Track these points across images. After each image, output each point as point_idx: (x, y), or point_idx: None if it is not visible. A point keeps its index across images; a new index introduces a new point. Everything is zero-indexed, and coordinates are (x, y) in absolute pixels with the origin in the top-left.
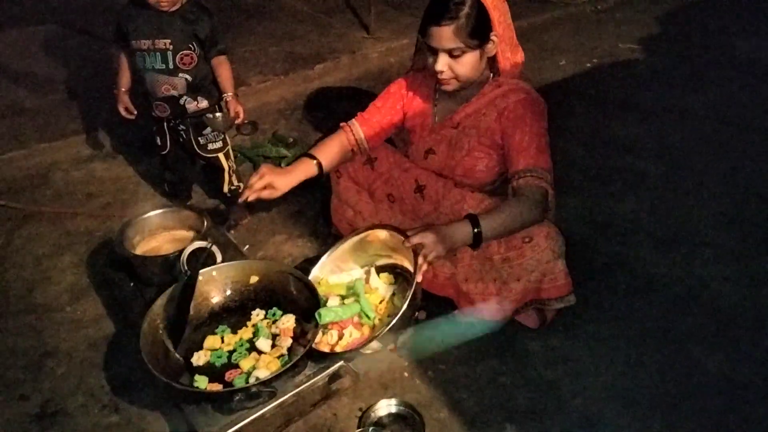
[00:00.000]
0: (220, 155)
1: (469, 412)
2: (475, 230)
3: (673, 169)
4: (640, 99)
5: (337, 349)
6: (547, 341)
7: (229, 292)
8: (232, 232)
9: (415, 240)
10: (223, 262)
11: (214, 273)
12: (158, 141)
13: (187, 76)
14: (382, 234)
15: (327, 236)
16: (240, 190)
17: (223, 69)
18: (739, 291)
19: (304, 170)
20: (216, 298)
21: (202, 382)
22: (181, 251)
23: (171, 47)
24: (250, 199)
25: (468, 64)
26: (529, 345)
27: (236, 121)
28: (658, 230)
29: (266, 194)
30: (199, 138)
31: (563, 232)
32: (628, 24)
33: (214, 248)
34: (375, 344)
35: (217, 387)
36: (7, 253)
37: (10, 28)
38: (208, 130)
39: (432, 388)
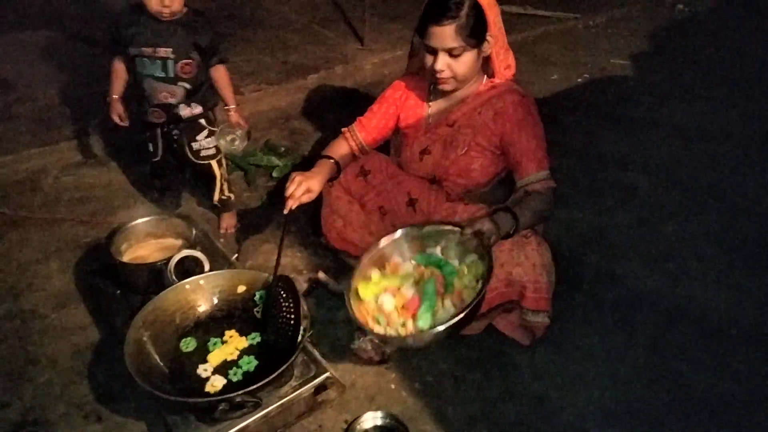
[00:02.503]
0: (213, 162)
1: (455, 425)
2: (510, 214)
3: (663, 184)
4: (630, 114)
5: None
6: (534, 355)
7: (216, 301)
8: (221, 239)
9: (477, 226)
10: (210, 270)
11: (201, 282)
12: (150, 147)
13: (187, 85)
14: (421, 229)
15: (316, 246)
16: (230, 200)
17: (223, 79)
18: (727, 307)
19: (328, 170)
20: (203, 307)
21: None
22: (168, 259)
23: (173, 56)
24: (294, 207)
25: (467, 63)
26: (516, 358)
27: (238, 132)
28: (647, 245)
29: (305, 198)
30: (192, 143)
31: (552, 245)
32: (619, 40)
33: (202, 257)
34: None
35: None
36: None
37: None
38: (201, 136)
39: (418, 400)
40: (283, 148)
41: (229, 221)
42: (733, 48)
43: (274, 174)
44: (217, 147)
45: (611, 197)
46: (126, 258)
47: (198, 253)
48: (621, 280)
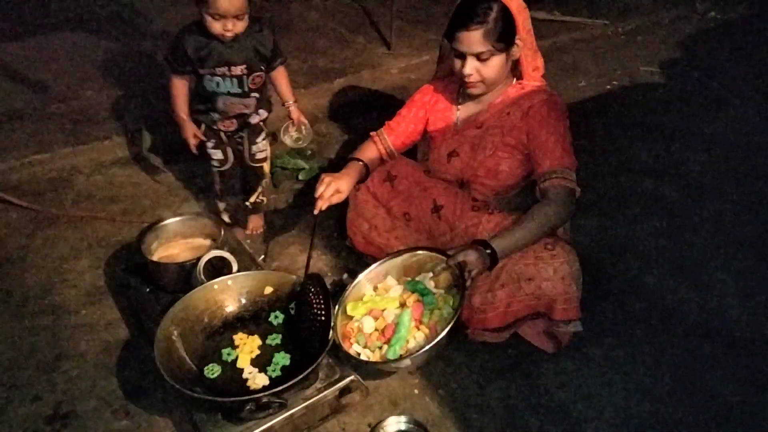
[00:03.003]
0: (265, 164)
1: None
2: (488, 251)
3: (693, 194)
4: (659, 122)
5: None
6: (560, 364)
7: (243, 302)
8: (248, 240)
9: (460, 257)
10: (238, 271)
11: (229, 282)
12: (219, 155)
13: (257, 95)
14: (416, 255)
15: (341, 248)
16: (263, 203)
17: (284, 78)
18: (758, 319)
19: (356, 172)
20: (230, 307)
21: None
22: (197, 259)
23: (246, 72)
24: (324, 207)
25: (495, 67)
26: (541, 367)
27: (302, 129)
28: (676, 255)
29: (335, 199)
30: (252, 146)
31: (579, 253)
32: (649, 47)
33: (231, 257)
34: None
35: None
36: (27, 255)
37: (37, 34)
38: (260, 138)
39: (442, 406)
40: (309, 152)
41: (256, 223)
42: (765, 56)
43: (301, 177)
44: (268, 149)
45: (640, 206)
46: (156, 257)
47: (226, 254)
48: (649, 291)
